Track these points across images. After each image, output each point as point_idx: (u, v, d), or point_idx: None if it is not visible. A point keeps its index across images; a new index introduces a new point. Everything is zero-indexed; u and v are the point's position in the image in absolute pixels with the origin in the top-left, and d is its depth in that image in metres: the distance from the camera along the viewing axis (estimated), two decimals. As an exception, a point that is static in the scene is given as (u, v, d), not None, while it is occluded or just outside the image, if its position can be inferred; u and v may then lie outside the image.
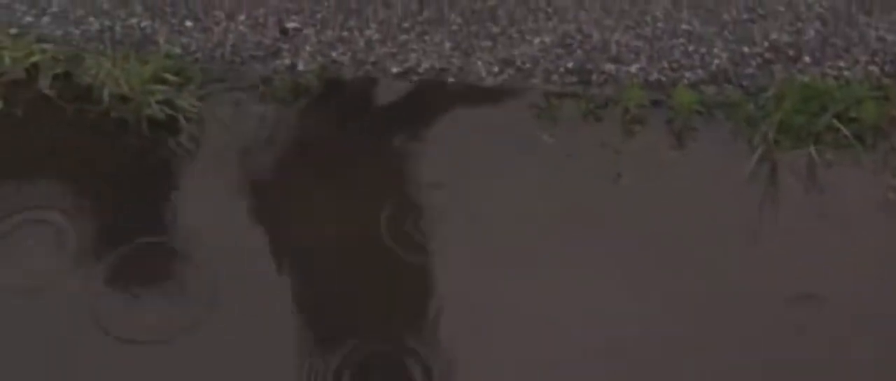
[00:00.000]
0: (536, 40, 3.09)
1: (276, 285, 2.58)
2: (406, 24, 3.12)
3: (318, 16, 3.13)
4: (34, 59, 2.96)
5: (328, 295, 2.58)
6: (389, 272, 2.63)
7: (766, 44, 3.09)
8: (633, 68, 3.04)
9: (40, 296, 2.54)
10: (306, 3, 3.16)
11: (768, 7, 3.17)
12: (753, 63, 3.05)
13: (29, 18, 3.09)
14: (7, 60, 2.93)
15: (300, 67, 3.03)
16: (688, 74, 3.03)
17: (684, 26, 3.13)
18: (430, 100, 3.00)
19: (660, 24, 3.13)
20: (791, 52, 3.07)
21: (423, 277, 2.61)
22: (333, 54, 3.06)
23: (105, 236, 2.68)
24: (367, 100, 3.00)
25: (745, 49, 3.08)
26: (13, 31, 3.04)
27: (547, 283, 2.60)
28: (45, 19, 3.09)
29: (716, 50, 3.08)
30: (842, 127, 2.86)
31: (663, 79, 3.02)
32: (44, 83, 2.93)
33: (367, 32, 3.10)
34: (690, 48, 3.08)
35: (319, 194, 2.78)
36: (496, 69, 3.04)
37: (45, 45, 3.00)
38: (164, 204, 2.76)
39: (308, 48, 3.07)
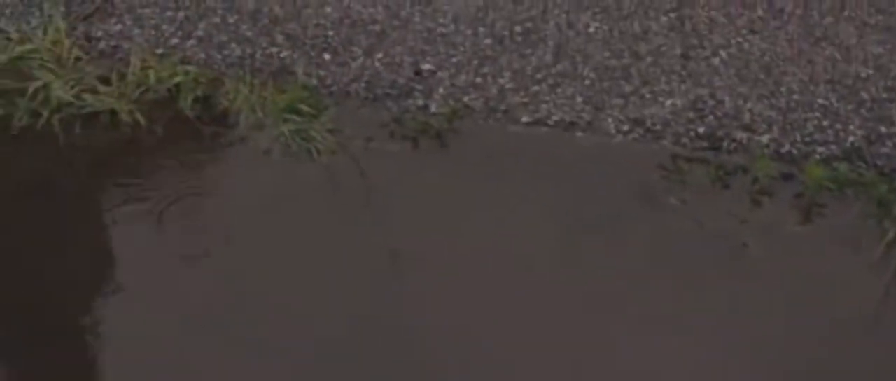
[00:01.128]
0: (668, 102, 3.09)
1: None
2: (539, 75, 3.15)
3: (454, 60, 3.18)
4: (177, 80, 3.05)
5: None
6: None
7: (904, 124, 3.04)
8: (765, 138, 3.01)
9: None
10: (442, 46, 3.21)
11: (908, 87, 3.13)
12: (889, 143, 3.00)
13: (175, 40, 3.19)
14: (152, 79, 3.02)
15: (432, 109, 3.07)
16: (820, 149, 2.99)
17: (820, 101, 3.09)
18: (556, 152, 3.01)
19: (795, 96, 3.10)
20: (930, 136, 3.02)
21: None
22: (466, 99, 3.09)
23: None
24: (492, 147, 3.01)
25: (882, 128, 3.03)
26: (159, 51, 3.14)
27: (661, 347, 2.58)
28: (190, 42, 3.19)
29: (851, 127, 3.04)
30: (980, 217, 2.80)
31: (795, 152, 2.99)
32: (184, 104, 3.01)
33: (501, 80, 3.13)
34: (825, 123, 3.05)
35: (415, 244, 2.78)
36: (626, 127, 3.04)
37: (188, 68, 3.09)
38: (288, 231, 2.80)
39: (441, 91, 3.11)
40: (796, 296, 2.70)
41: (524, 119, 3.06)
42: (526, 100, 3.09)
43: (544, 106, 3.08)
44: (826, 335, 2.63)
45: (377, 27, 3.25)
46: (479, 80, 3.14)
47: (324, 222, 2.81)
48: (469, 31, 3.24)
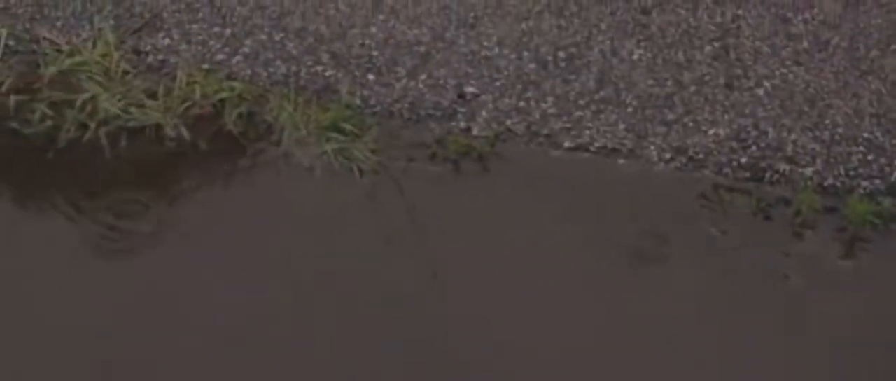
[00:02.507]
0: (711, 132, 3.08)
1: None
2: (582, 101, 3.15)
3: (497, 83, 3.19)
4: (222, 95, 3.07)
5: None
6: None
7: (951, 161, 3.02)
8: (808, 171, 2.99)
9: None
10: (486, 69, 3.22)
11: (956, 123, 3.11)
12: (936, 179, 2.99)
13: (221, 56, 3.22)
14: (198, 94, 3.05)
15: (475, 131, 3.08)
16: (865, 184, 2.97)
17: (865, 134, 3.08)
18: (598, 178, 3.01)
19: (839, 129, 3.09)
20: (977, 172, 2.99)
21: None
22: (508, 123, 3.10)
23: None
24: (534, 171, 3.02)
25: (928, 164, 3.02)
26: (206, 66, 3.17)
27: (699, 377, 2.57)
28: (236, 59, 3.22)
29: (896, 162, 3.02)
30: None
31: (838, 185, 2.97)
32: (229, 120, 3.04)
33: (544, 105, 3.14)
34: (870, 157, 3.03)
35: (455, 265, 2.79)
36: (668, 156, 3.04)
37: (234, 84, 3.11)
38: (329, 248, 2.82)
39: (484, 114, 3.12)
40: (837, 330, 2.68)
41: (566, 144, 3.06)
42: (569, 125, 3.09)
43: (587, 132, 3.08)
44: (868, 371, 2.61)
45: (422, 49, 3.27)
46: (521, 104, 3.14)
47: (365, 240, 2.82)
48: (513, 55, 3.26)
